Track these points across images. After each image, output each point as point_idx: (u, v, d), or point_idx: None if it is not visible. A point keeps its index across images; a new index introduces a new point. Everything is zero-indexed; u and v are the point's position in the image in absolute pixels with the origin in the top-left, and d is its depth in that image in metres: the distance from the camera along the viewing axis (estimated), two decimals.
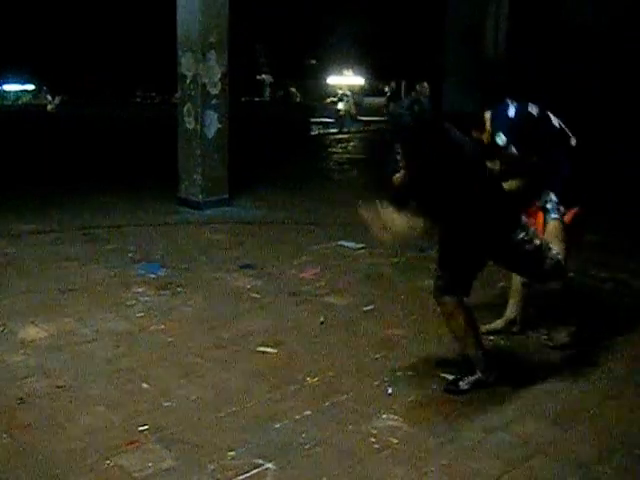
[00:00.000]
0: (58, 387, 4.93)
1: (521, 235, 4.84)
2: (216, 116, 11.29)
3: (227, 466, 4.01)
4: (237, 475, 3.92)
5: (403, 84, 41.74)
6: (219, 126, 11.34)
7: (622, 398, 5.00)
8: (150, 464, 4.01)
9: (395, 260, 8.24)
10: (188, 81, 11.24)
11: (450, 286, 4.92)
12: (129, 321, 6.25)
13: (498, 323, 6.06)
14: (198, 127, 11.17)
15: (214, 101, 11.25)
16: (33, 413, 4.58)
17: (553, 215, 5.44)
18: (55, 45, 40.22)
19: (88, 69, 45.13)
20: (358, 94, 43.23)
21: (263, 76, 54.10)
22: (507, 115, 5.59)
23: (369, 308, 6.69)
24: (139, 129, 28.48)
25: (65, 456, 4.09)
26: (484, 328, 5.85)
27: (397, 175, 4.79)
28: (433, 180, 4.73)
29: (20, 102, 54.47)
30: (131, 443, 4.23)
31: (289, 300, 6.89)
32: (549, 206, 5.47)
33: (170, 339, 5.85)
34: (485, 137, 5.70)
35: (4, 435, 4.30)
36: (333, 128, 31.10)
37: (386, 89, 41.88)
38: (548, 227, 5.42)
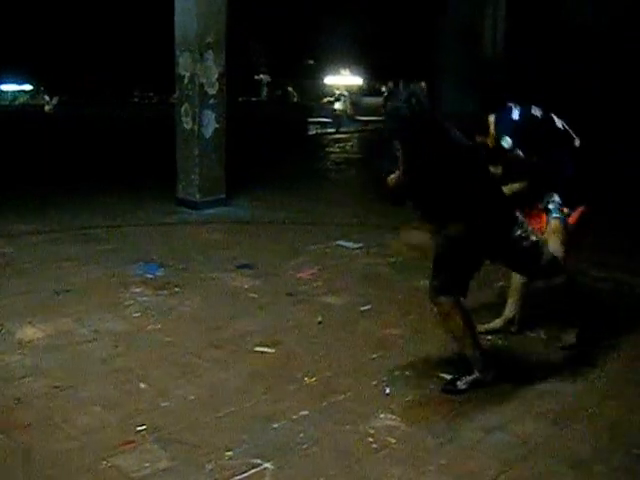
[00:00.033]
0: (55, 387, 4.93)
1: (518, 232, 4.85)
2: (214, 116, 11.29)
3: (225, 466, 4.00)
4: (235, 475, 3.92)
5: (401, 84, 41.58)
6: (217, 126, 11.34)
7: (621, 398, 5.00)
8: (147, 464, 4.00)
9: (392, 260, 8.23)
10: (186, 81, 11.23)
11: (446, 286, 4.91)
12: (127, 321, 6.24)
13: (496, 322, 6.06)
14: (196, 127, 11.17)
15: (212, 101, 11.24)
16: (30, 413, 4.57)
17: (554, 215, 5.46)
18: (52, 45, 40.20)
19: (86, 69, 45.12)
20: (356, 94, 43.20)
21: (261, 76, 54.09)
22: (512, 118, 5.60)
23: (367, 308, 6.68)
24: (137, 129, 28.47)
25: (62, 456, 4.08)
26: (482, 327, 5.85)
27: (392, 176, 4.78)
28: (430, 176, 4.74)
29: (17, 102, 54.41)
30: (128, 443, 4.23)
31: (287, 300, 6.89)
32: (551, 206, 5.49)
33: (168, 339, 5.85)
34: (490, 141, 5.71)
35: (1, 435, 4.29)
36: (331, 128, 31.09)
37: (383, 89, 41.88)
38: (549, 226, 5.44)
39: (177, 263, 8.00)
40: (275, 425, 4.48)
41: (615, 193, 10.78)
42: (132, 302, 6.70)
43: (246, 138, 18.84)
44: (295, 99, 52.54)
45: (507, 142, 5.50)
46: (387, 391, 4.98)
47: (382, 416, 4.62)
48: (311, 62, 49.45)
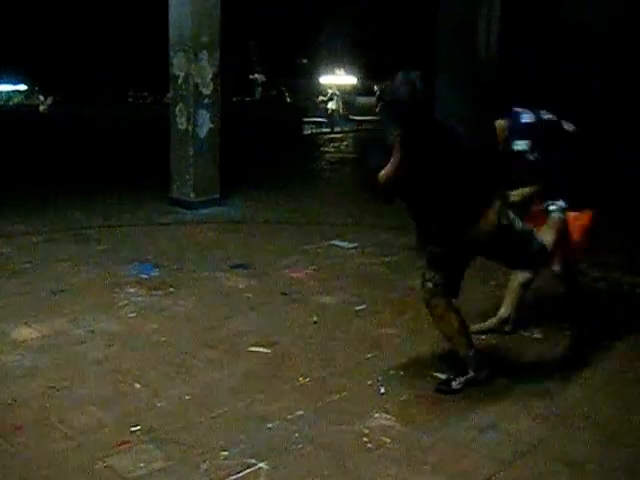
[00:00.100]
0: (51, 387, 4.93)
1: (504, 222, 4.85)
2: (208, 116, 11.29)
3: (220, 466, 4.01)
4: (230, 475, 3.92)
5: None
6: (211, 126, 11.35)
7: (616, 397, 5.01)
8: (142, 464, 4.01)
9: (387, 259, 8.25)
10: (180, 81, 11.24)
11: (441, 288, 4.92)
12: (122, 321, 6.25)
13: (491, 322, 6.07)
14: (190, 127, 11.17)
15: (206, 101, 11.25)
16: (26, 413, 4.57)
17: (555, 214, 5.49)
18: (47, 46, 40.16)
19: (80, 69, 45.09)
20: (350, 93, 43.21)
21: (255, 75, 54.05)
22: (524, 122, 5.60)
23: (361, 307, 6.69)
24: (131, 129, 28.45)
25: (58, 456, 4.08)
26: (477, 327, 5.87)
27: (382, 172, 4.75)
28: (426, 167, 4.72)
29: (12, 103, 54.33)
30: (124, 443, 4.23)
31: (281, 300, 6.90)
32: (552, 207, 5.51)
33: (163, 339, 5.85)
34: (500, 142, 5.72)
35: None
36: (325, 127, 31.09)
37: (375, 88, 41.83)
38: (548, 220, 5.47)
39: (171, 263, 8.01)
40: (270, 425, 4.49)
41: (615, 193, 10.79)
42: (127, 302, 6.71)
43: (240, 138, 18.85)
44: (288, 99, 52.49)
45: (522, 145, 5.50)
46: (382, 391, 4.99)
47: (377, 416, 4.63)
48: (305, 62, 49.44)
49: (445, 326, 4.99)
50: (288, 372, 5.25)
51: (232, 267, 7.91)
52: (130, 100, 51.11)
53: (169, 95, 12.04)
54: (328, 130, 30.27)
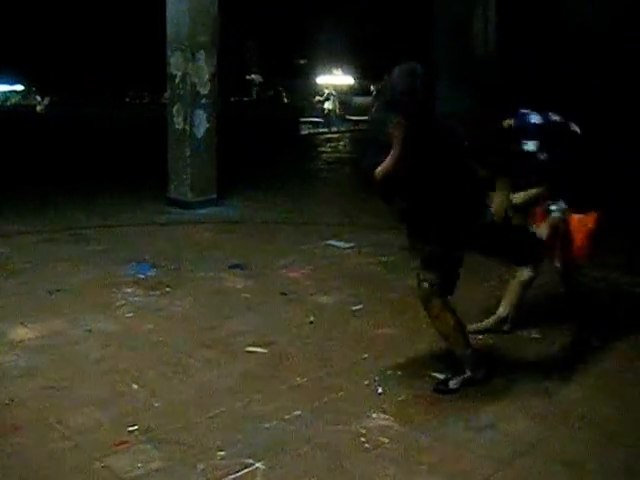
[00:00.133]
0: (48, 387, 4.93)
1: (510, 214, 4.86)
2: (205, 116, 11.29)
3: (217, 466, 4.01)
4: (227, 475, 3.92)
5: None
6: (208, 126, 11.34)
7: (612, 397, 5.01)
8: (140, 464, 4.01)
9: (384, 259, 8.25)
10: (177, 81, 11.23)
11: (437, 288, 4.91)
12: (119, 321, 6.24)
13: (489, 321, 6.07)
14: (187, 127, 11.17)
15: (203, 101, 11.24)
16: (23, 413, 4.57)
17: (555, 214, 5.50)
18: (44, 46, 40.14)
19: (77, 70, 45.07)
20: (347, 93, 43.20)
21: (252, 76, 54.05)
22: (533, 122, 5.59)
23: (358, 307, 6.69)
24: (128, 129, 28.43)
25: (54, 457, 4.08)
26: (474, 326, 5.88)
27: (379, 168, 4.65)
28: (427, 161, 4.68)
29: (9, 103, 54.28)
30: (121, 443, 4.23)
31: (278, 300, 6.90)
32: (553, 207, 5.53)
33: (160, 339, 5.85)
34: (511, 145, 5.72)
35: None
36: (322, 127, 31.09)
37: (372, 88, 41.80)
38: (547, 220, 5.48)
39: (169, 263, 8.00)
40: (267, 425, 4.48)
41: (615, 193, 10.79)
42: (124, 302, 6.70)
43: (238, 138, 18.85)
44: (285, 99, 52.49)
45: (532, 145, 5.50)
46: (379, 391, 4.99)
47: (374, 416, 4.63)
48: (303, 62, 49.46)
49: (442, 325, 4.99)
50: (285, 372, 5.25)
51: (229, 267, 7.91)
52: (127, 100, 51.06)
53: (166, 95, 12.03)
54: (325, 130, 30.26)
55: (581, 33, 14.86)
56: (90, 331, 5.97)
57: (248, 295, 7.01)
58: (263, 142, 21.93)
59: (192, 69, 11.06)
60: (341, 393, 4.94)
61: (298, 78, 49.89)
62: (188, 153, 11.19)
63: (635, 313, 6.68)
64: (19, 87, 55.56)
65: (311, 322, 6.30)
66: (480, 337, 5.87)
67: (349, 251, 8.78)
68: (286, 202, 12.09)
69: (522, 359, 5.62)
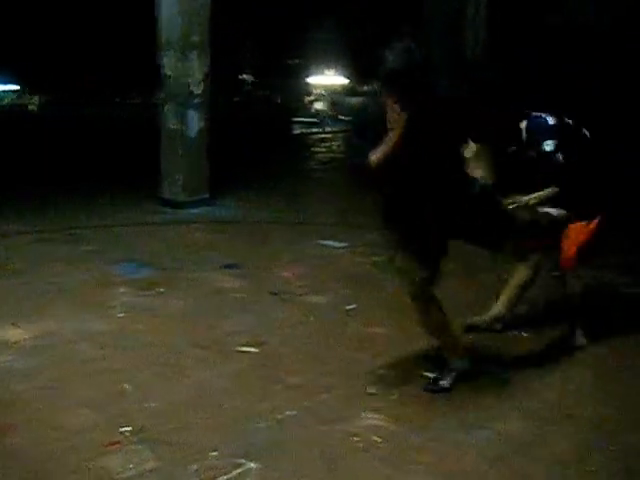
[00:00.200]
0: (41, 388, 4.93)
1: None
2: (198, 116, 11.26)
3: (210, 466, 4.01)
4: (220, 475, 3.93)
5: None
6: (201, 126, 11.32)
7: (603, 397, 5.03)
8: (132, 465, 4.01)
9: (377, 259, 8.24)
10: (170, 81, 11.21)
11: (426, 281, 4.89)
12: (112, 322, 6.23)
13: (484, 318, 6.08)
14: (180, 127, 11.14)
15: (196, 101, 11.22)
16: (15, 414, 4.57)
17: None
18: (37, 45, 40.07)
19: (71, 69, 44.96)
20: (339, 94, 43.16)
21: (245, 76, 53.99)
22: (549, 123, 5.59)
23: (351, 307, 6.70)
24: (123, 129, 28.37)
25: (47, 457, 4.08)
26: (469, 321, 5.95)
27: (375, 154, 4.53)
28: (424, 142, 4.56)
29: (4, 103, 54.11)
30: (114, 444, 4.23)
31: (271, 300, 6.90)
32: (552, 211, 5.56)
33: (153, 339, 5.84)
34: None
35: None
36: (315, 128, 31.08)
37: (365, 88, 41.71)
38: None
39: (162, 263, 7.99)
40: (260, 425, 4.49)
41: (615, 193, 10.79)
42: (117, 303, 6.69)
43: (231, 138, 18.81)
44: (278, 99, 52.46)
45: (550, 145, 5.50)
46: (372, 390, 5.00)
47: (367, 415, 4.64)
48: (295, 62, 49.42)
49: (429, 318, 4.98)
50: (278, 372, 5.26)
51: (223, 267, 7.90)
52: (118, 100, 50.88)
53: (159, 95, 12.01)
54: (318, 130, 30.26)
55: (583, 33, 14.87)
56: (83, 332, 5.96)
57: (241, 295, 7.01)
58: (256, 142, 21.90)
59: (185, 69, 11.03)
60: (334, 393, 4.95)
61: (290, 78, 49.84)
62: (181, 153, 11.17)
63: (632, 313, 6.70)
64: (13, 87, 55.36)
65: (304, 322, 6.30)
66: (470, 337, 5.88)
67: (342, 251, 8.78)
68: (279, 202, 12.08)
69: (514, 358, 5.63)
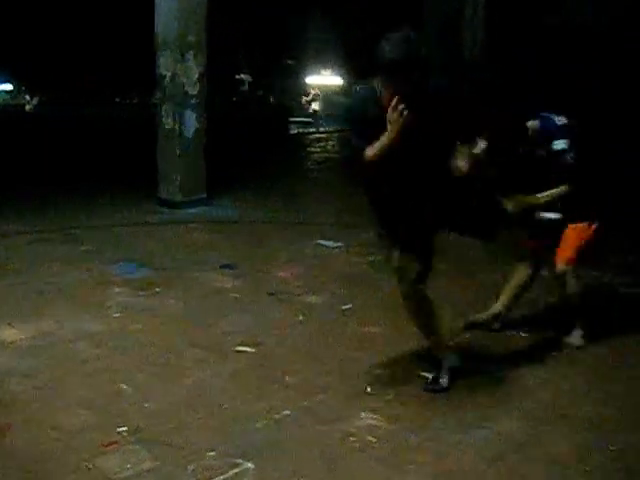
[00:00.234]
0: (37, 388, 4.92)
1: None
2: (195, 116, 11.26)
3: (207, 466, 4.02)
4: (217, 475, 3.93)
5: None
6: (198, 126, 11.32)
7: (602, 397, 5.03)
8: (129, 465, 4.01)
9: (372, 259, 8.25)
10: (167, 81, 11.20)
11: (420, 277, 4.89)
12: (108, 322, 6.23)
13: (482, 316, 6.09)
14: (177, 127, 11.14)
15: (192, 101, 11.22)
16: (13, 414, 4.56)
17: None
18: (32, 45, 40.01)
19: (67, 69, 44.91)
20: (336, 94, 43.16)
21: (242, 76, 53.99)
22: (560, 123, 5.61)
23: (347, 307, 6.71)
24: (120, 129, 28.34)
25: (45, 457, 4.08)
26: (469, 319, 5.96)
27: (371, 149, 4.45)
28: (422, 139, 4.48)
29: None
30: (111, 444, 4.23)
31: (268, 300, 6.90)
32: (545, 215, 5.60)
33: (149, 339, 5.84)
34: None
35: None
36: (311, 127, 31.10)
37: (358, 89, 41.52)
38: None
39: (158, 263, 7.99)
40: (257, 425, 4.49)
41: (615, 193, 10.79)
42: (114, 303, 6.69)
43: (227, 137, 18.81)
44: (274, 99, 52.43)
45: (563, 144, 5.51)
46: (368, 390, 5.00)
47: (363, 415, 4.64)
48: (292, 62, 49.43)
49: (422, 314, 4.98)
50: (275, 372, 5.26)
51: (219, 267, 7.90)
52: (117, 100, 50.85)
53: (156, 95, 12.00)
54: (314, 130, 30.27)
55: (581, 33, 14.88)
56: (80, 331, 5.96)
57: (239, 295, 7.01)
58: (253, 142, 21.90)
59: (181, 69, 11.03)
60: (331, 392, 4.96)
61: (287, 78, 49.85)
62: (178, 153, 11.16)
63: (631, 313, 6.70)
64: (8, 87, 55.31)
65: (300, 322, 6.31)
66: (467, 336, 5.89)
67: (339, 250, 8.79)
68: (276, 202, 12.08)
69: (511, 358, 5.63)
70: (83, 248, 8.68)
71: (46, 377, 5.10)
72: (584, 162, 5.57)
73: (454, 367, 5.05)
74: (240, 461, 4.06)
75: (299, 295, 7.03)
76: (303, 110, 36.38)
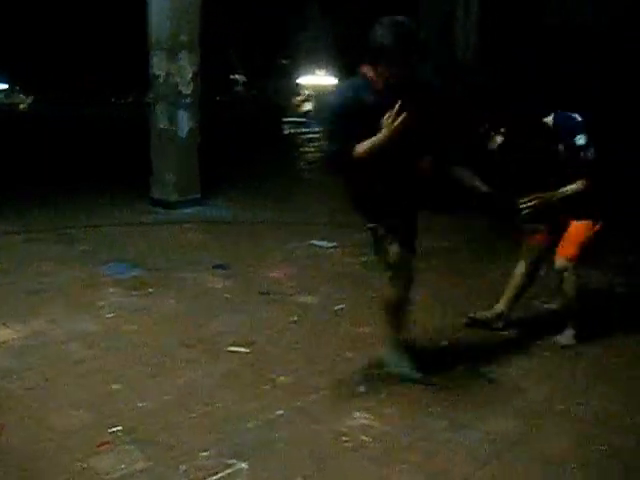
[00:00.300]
0: (29, 388, 4.93)
1: None
2: (188, 116, 11.24)
3: (200, 466, 4.03)
4: (210, 475, 3.94)
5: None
6: (191, 126, 11.29)
7: (598, 396, 5.05)
8: (123, 465, 4.02)
9: (365, 259, 8.25)
10: (160, 81, 11.17)
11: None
12: (101, 322, 6.23)
13: (486, 314, 6.10)
14: (170, 127, 11.12)
15: (186, 100, 11.20)
16: (5, 415, 4.56)
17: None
18: (27, 44, 39.91)
19: (62, 69, 44.80)
20: (327, 94, 43.14)
21: (236, 75, 53.93)
22: (578, 119, 5.62)
23: (340, 307, 6.71)
24: (115, 128, 28.28)
25: (38, 457, 4.09)
26: (471, 315, 6.00)
27: (364, 145, 4.43)
28: (424, 123, 4.49)
29: None
30: (104, 444, 4.24)
31: (261, 300, 6.90)
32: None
33: (142, 340, 5.84)
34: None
35: None
36: (304, 128, 31.10)
37: (342, 83, 41.51)
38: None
39: (151, 263, 7.98)
40: (250, 425, 4.50)
41: (615, 193, 10.79)
42: (106, 303, 6.68)
43: (221, 137, 18.80)
44: (269, 100, 52.40)
45: (582, 139, 5.51)
46: (361, 390, 5.02)
47: (356, 415, 4.65)
48: (285, 62, 49.39)
49: (400, 313, 5.13)
50: (267, 372, 5.27)
51: (213, 267, 7.90)
52: (113, 100, 50.78)
53: (149, 95, 11.98)
54: (307, 130, 30.28)
55: (581, 33, 14.89)
56: (72, 332, 5.96)
57: (231, 295, 7.01)
58: (246, 142, 21.89)
59: (174, 69, 11.00)
60: (323, 392, 4.97)
61: (281, 78, 49.80)
62: (171, 153, 11.14)
63: (630, 313, 6.71)
64: (2, 85, 55.20)
65: (294, 322, 6.31)
66: (460, 335, 5.91)
67: (332, 250, 8.79)
68: (269, 202, 12.05)
69: (506, 358, 5.64)
70: (77, 248, 8.65)
71: (39, 377, 5.10)
72: (599, 160, 5.60)
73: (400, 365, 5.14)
74: (233, 461, 4.07)
75: (292, 295, 7.04)
76: (296, 110, 36.38)
